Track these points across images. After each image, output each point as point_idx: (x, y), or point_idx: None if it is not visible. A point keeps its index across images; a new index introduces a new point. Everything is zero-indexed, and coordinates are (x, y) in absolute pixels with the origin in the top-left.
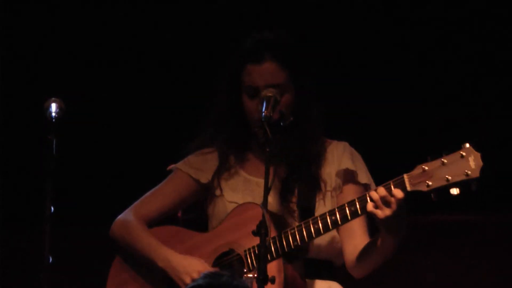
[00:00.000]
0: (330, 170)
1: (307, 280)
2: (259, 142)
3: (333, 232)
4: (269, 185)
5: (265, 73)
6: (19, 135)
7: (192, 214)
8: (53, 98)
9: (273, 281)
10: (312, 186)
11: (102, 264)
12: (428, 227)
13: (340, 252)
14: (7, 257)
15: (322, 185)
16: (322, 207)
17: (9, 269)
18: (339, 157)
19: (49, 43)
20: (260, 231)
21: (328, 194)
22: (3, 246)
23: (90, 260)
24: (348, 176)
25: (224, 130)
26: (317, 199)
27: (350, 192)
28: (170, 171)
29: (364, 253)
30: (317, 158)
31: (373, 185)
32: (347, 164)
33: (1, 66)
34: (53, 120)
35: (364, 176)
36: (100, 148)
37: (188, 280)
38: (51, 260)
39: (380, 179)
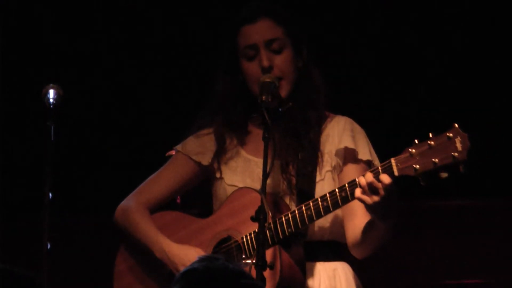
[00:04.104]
0: (331, 149)
1: (316, 263)
2: (259, 120)
3: (336, 211)
4: (267, 171)
5: (261, 29)
6: (17, 121)
7: (195, 209)
8: (51, 85)
9: (271, 267)
10: (311, 165)
11: (101, 251)
12: (430, 211)
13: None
14: (6, 244)
15: (321, 164)
16: (321, 188)
17: (8, 256)
18: (339, 135)
19: (47, 29)
20: (259, 216)
21: (329, 174)
22: (2, 233)
23: (89, 247)
24: (348, 154)
25: (223, 109)
26: (317, 180)
27: (350, 171)
28: (170, 157)
29: (362, 235)
30: (318, 128)
31: (376, 161)
32: (346, 142)
33: None
34: (52, 106)
35: (365, 153)
36: (99, 134)
37: None
38: (49, 246)
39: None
